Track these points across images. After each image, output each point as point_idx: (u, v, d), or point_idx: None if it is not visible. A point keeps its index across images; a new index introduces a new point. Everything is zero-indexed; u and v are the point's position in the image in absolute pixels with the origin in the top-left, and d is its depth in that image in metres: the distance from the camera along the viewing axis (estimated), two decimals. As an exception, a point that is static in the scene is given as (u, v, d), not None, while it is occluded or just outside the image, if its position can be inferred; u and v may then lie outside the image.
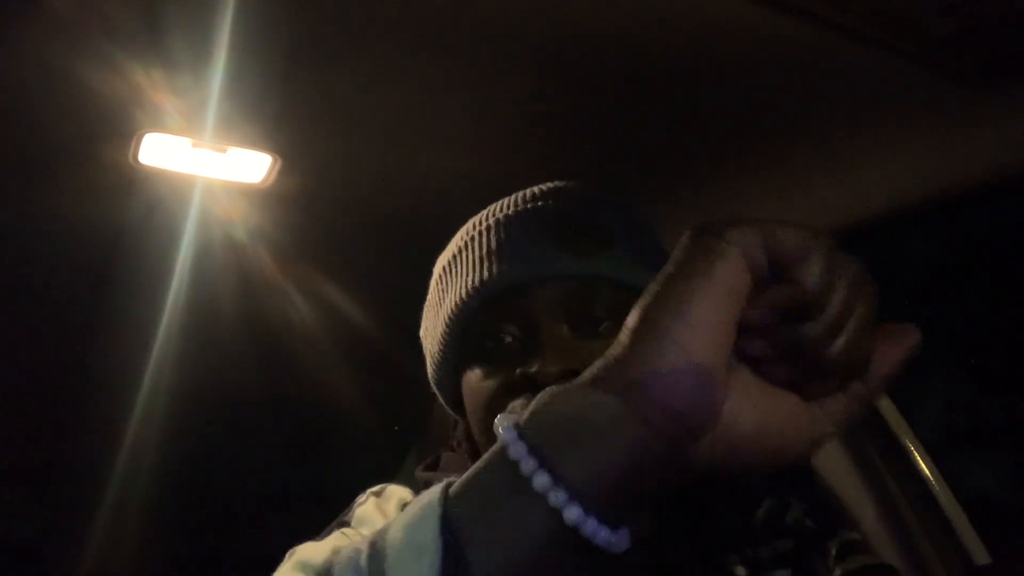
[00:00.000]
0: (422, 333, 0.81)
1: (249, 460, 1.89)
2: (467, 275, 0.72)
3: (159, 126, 1.09)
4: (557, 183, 0.78)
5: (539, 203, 0.74)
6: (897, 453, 1.27)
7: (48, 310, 1.56)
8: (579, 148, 1.19)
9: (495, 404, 0.68)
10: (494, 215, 0.75)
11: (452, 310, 0.72)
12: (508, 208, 0.75)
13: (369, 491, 0.77)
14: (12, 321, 1.55)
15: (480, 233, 0.74)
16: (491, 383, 0.69)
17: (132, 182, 1.20)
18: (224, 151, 1.17)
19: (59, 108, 1.04)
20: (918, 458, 1.27)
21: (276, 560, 0.74)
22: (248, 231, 1.35)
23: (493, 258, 0.70)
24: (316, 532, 0.77)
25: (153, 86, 0.99)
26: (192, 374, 1.64)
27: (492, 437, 0.66)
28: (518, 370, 0.67)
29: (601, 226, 0.73)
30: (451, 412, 0.80)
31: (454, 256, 0.75)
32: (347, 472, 1.93)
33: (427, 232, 1.44)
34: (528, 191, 0.77)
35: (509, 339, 0.70)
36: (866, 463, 1.23)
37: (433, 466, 0.80)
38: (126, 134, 1.10)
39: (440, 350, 0.75)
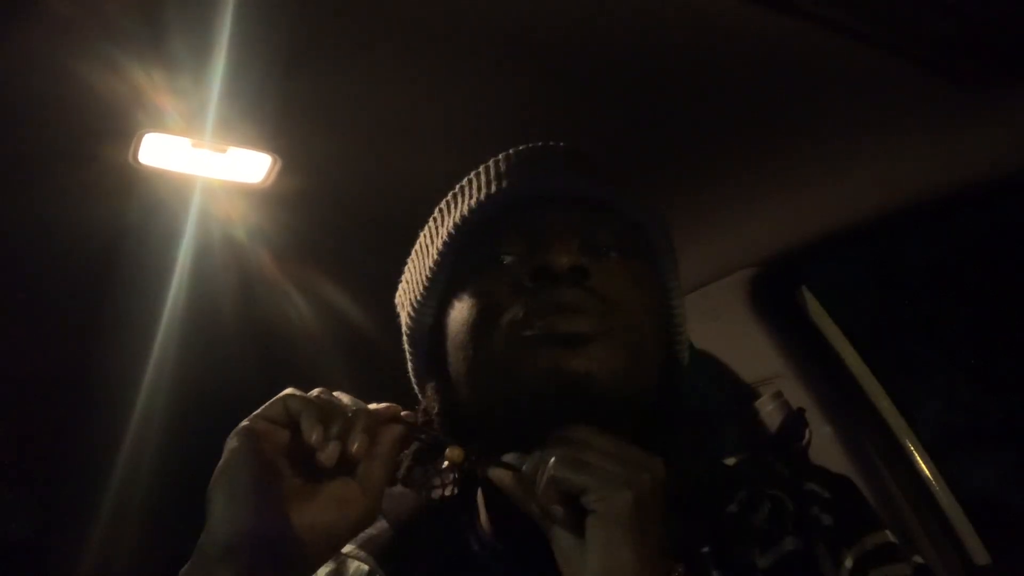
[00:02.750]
0: (399, 295, 0.76)
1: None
2: (470, 197, 0.67)
3: (159, 126, 1.08)
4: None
5: (547, 142, 0.73)
6: (897, 453, 1.27)
7: (48, 310, 1.56)
8: (578, 148, 1.19)
9: (496, 310, 0.62)
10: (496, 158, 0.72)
11: (451, 232, 0.67)
12: (515, 147, 0.72)
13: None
14: (12, 321, 1.55)
15: (486, 167, 0.71)
16: (491, 291, 0.63)
17: (132, 182, 1.20)
18: (224, 151, 1.16)
19: (59, 108, 1.04)
20: (918, 458, 1.27)
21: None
22: (248, 231, 1.35)
23: (501, 177, 0.67)
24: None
25: (153, 86, 0.99)
26: (192, 374, 1.64)
27: (483, 351, 0.62)
28: (526, 266, 0.61)
29: (608, 167, 0.71)
30: (419, 380, 0.74)
31: (454, 193, 0.72)
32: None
33: (427, 232, 1.44)
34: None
35: (511, 259, 0.64)
36: (866, 463, 1.23)
37: None
38: (126, 134, 1.10)
39: (425, 289, 0.69)
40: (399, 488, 0.71)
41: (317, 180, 1.26)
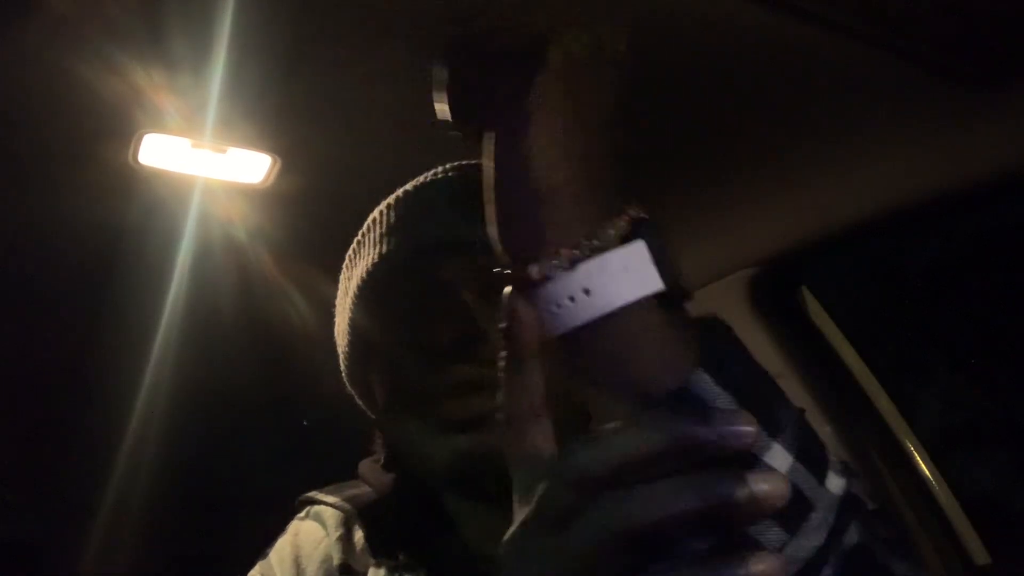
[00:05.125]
0: (336, 332, 0.80)
1: (249, 460, 1.89)
2: (368, 254, 0.70)
3: (159, 126, 1.09)
4: (457, 162, 0.76)
5: (437, 177, 0.74)
6: (897, 453, 1.27)
7: (48, 310, 1.56)
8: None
9: (405, 391, 0.66)
10: (392, 198, 0.74)
11: (356, 290, 0.70)
12: (406, 187, 0.75)
13: (297, 516, 0.78)
14: (12, 321, 1.55)
15: (380, 214, 0.73)
16: (400, 369, 0.66)
17: (132, 182, 1.20)
18: (224, 151, 1.17)
19: (59, 108, 1.04)
20: (918, 458, 1.27)
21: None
22: (248, 231, 1.35)
23: (393, 232, 0.69)
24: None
25: (153, 86, 0.99)
26: (192, 374, 1.64)
27: (397, 429, 0.66)
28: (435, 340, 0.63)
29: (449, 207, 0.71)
30: (367, 410, 0.77)
31: (355, 244, 0.75)
32: (347, 472, 1.93)
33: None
34: (427, 173, 0.76)
35: (413, 310, 0.66)
36: (866, 463, 1.23)
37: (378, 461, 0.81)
38: (126, 134, 1.10)
39: (349, 341, 0.73)
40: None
41: (317, 180, 1.26)
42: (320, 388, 1.80)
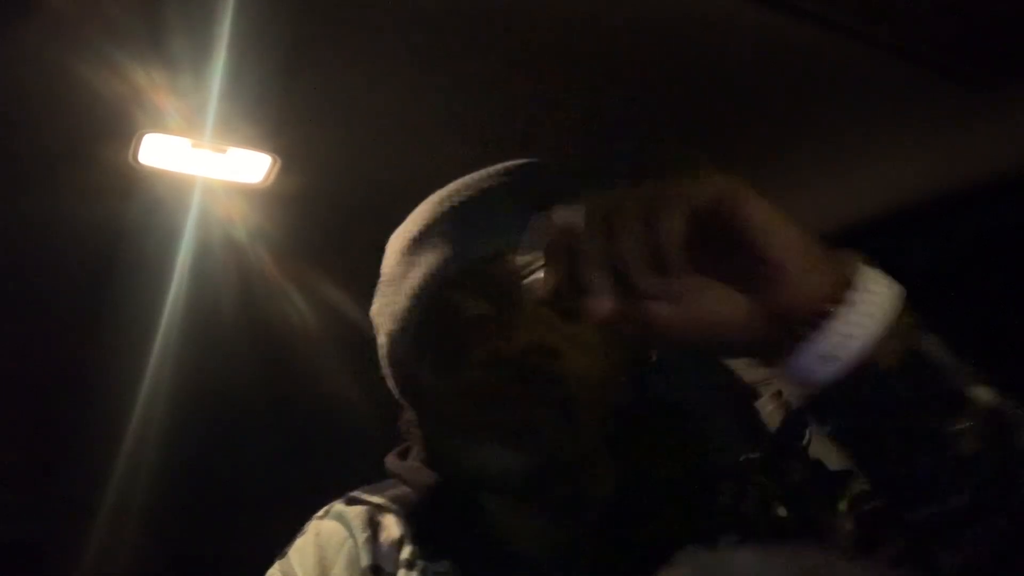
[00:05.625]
0: (374, 311, 0.78)
1: (249, 460, 1.89)
2: (439, 247, 0.68)
3: (159, 126, 1.09)
4: (528, 159, 0.74)
5: (510, 176, 0.71)
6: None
7: (48, 310, 1.56)
8: (578, 148, 1.19)
9: (465, 391, 0.65)
10: (465, 190, 0.72)
11: (420, 283, 0.68)
12: (479, 182, 0.72)
13: (316, 516, 0.77)
14: (12, 321, 1.55)
15: (452, 209, 0.71)
16: (458, 370, 0.66)
17: (132, 183, 1.20)
18: (224, 151, 1.17)
19: (59, 108, 1.04)
20: (918, 458, 1.27)
21: (275, 560, 0.75)
22: (248, 231, 1.35)
23: (466, 230, 0.68)
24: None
25: (153, 87, 0.99)
26: (192, 374, 1.64)
27: (464, 420, 0.65)
28: (495, 347, 0.64)
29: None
30: (399, 396, 0.77)
31: (423, 230, 0.72)
32: (347, 472, 1.93)
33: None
34: (498, 166, 0.73)
35: (481, 313, 0.66)
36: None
37: (405, 454, 0.80)
38: (126, 134, 1.10)
39: (400, 327, 0.71)
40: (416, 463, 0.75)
41: (317, 180, 1.26)
42: (320, 388, 1.80)
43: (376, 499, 0.74)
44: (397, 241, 0.75)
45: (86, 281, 1.44)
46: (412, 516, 0.71)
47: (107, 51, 0.93)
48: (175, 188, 1.23)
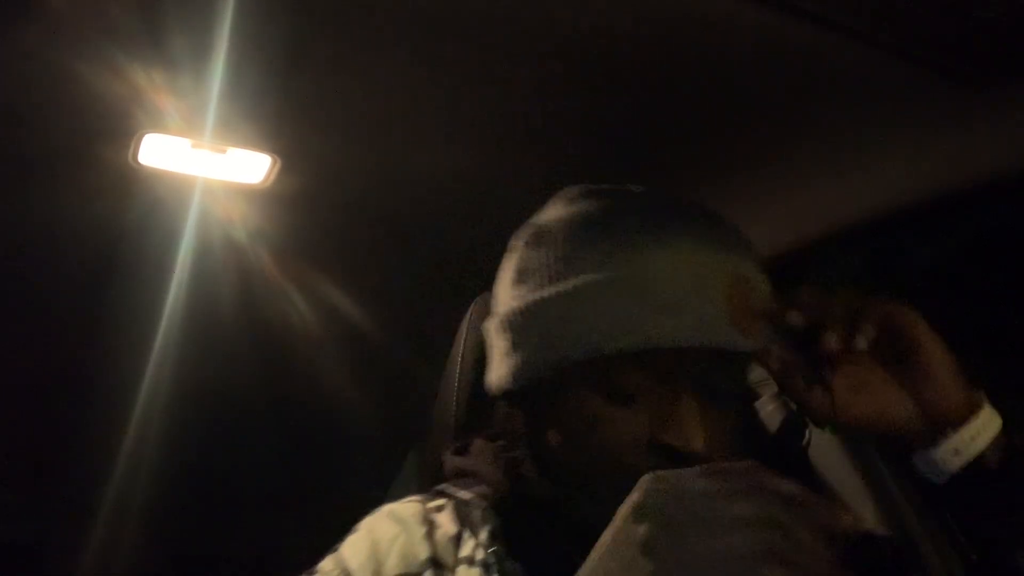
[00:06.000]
0: (513, 313, 0.72)
1: (249, 460, 1.89)
2: (619, 315, 0.65)
3: (159, 127, 1.09)
4: (728, 252, 0.70)
5: (713, 249, 0.68)
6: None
7: (48, 310, 1.56)
8: (578, 148, 1.19)
9: (614, 449, 0.66)
10: (649, 247, 0.67)
11: (591, 343, 0.65)
12: (670, 247, 0.67)
13: (369, 515, 0.77)
14: (11, 321, 1.55)
15: (638, 270, 0.66)
16: (615, 425, 0.66)
17: (132, 182, 1.20)
18: (224, 151, 1.17)
19: (59, 108, 1.04)
20: (918, 458, 1.27)
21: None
22: (248, 231, 1.35)
23: (656, 309, 0.64)
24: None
25: (153, 87, 0.99)
26: (192, 374, 1.64)
27: (590, 466, 0.67)
28: (653, 434, 0.65)
29: (763, 309, 0.68)
30: (503, 400, 0.76)
31: (600, 282, 0.66)
32: (347, 472, 1.93)
33: (427, 232, 1.44)
34: (688, 225, 0.69)
35: (633, 387, 0.66)
36: (866, 463, 1.23)
37: (463, 451, 0.81)
38: (126, 135, 1.10)
39: (558, 360, 0.68)
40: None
41: (317, 180, 1.26)
42: (320, 388, 1.80)
43: (463, 494, 0.75)
44: (567, 243, 0.70)
45: (86, 281, 1.44)
46: (490, 512, 0.72)
47: (107, 51, 0.93)
48: (175, 188, 1.23)
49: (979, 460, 0.63)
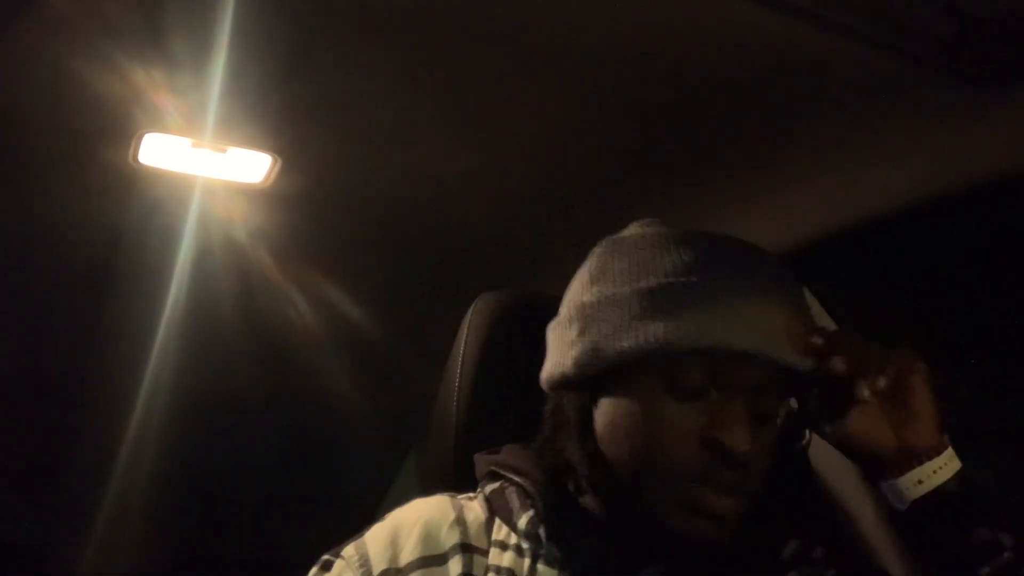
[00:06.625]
0: (577, 310, 0.77)
1: (249, 460, 1.89)
2: (686, 318, 0.70)
3: (159, 126, 1.09)
4: (791, 285, 0.77)
5: (762, 275, 0.74)
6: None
7: (48, 310, 1.56)
8: (578, 148, 1.19)
9: (668, 446, 0.70)
10: (715, 266, 0.73)
11: (657, 339, 0.70)
12: (730, 264, 0.74)
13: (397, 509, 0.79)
14: (12, 321, 1.55)
15: (706, 282, 0.72)
16: (668, 423, 0.70)
17: (132, 182, 1.20)
18: (224, 151, 1.17)
19: (59, 108, 1.04)
20: (918, 458, 1.27)
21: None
22: (248, 231, 1.36)
23: (720, 317, 0.70)
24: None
25: (153, 86, 1.00)
26: (192, 374, 1.64)
27: (642, 466, 0.71)
28: (708, 433, 0.69)
29: (811, 332, 0.74)
30: (558, 390, 0.79)
31: (666, 286, 0.72)
32: (347, 472, 1.93)
33: (427, 232, 1.44)
34: (736, 249, 0.76)
35: (699, 394, 0.71)
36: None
37: (494, 453, 0.83)
38: (126, 134, 1.10)
39: (616, 354, 0.72)
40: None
41: (317, 180, 1.26)
42: (320, 388, 1.80)
43: (496, 486, 0.78)
44: (630, 269, 0.75)
45: (86, 281, 1.44)
46: (529, 500, 0.75)
47: (107, 51, 0.93)
48: (175, 188, 1.23)
49: (939, 490, 0.72)
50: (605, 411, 0.75)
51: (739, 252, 0.76)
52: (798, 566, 0.75)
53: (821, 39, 0.87)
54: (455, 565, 0.72)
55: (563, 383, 0.78)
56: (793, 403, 0.77)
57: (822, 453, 1.21)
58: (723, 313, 0.70)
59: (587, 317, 0.75)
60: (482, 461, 0.82)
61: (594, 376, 0.74)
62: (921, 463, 0.73)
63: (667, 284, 0.72)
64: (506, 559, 0.72)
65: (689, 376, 0.70)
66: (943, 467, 0.73)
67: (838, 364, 0.73)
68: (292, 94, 1.04)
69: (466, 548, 0.73)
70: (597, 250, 0.80)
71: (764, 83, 0.99)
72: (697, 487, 0.69)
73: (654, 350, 0.70)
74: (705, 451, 0.69)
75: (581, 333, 0.75)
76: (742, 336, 0.69)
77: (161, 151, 1.15)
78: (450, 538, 0.74)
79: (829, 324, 1.36)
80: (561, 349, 0.78)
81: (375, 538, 0.75)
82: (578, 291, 0.78)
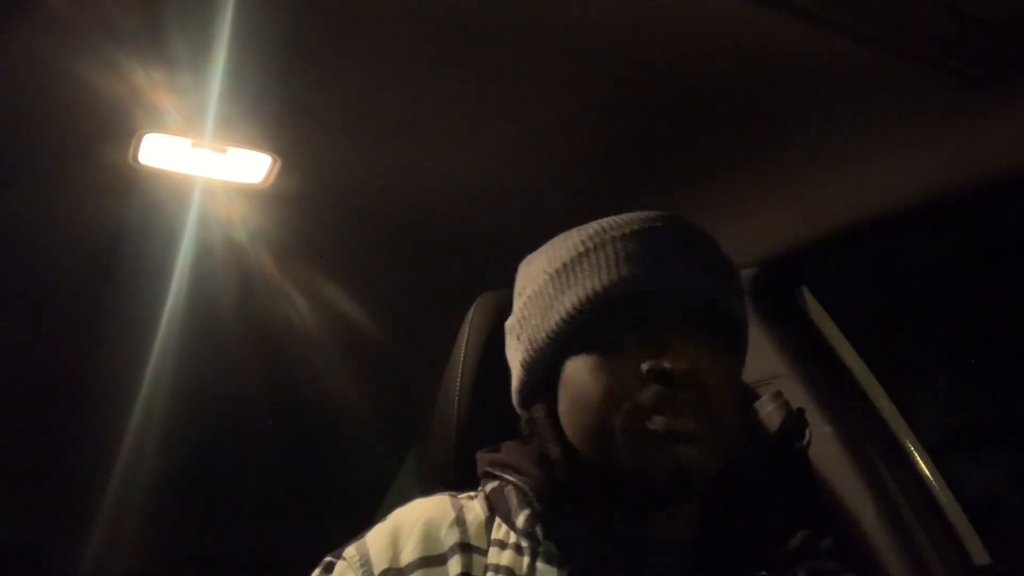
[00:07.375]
0: (515, 321, 0.82)
1: (249, 460, 1.89)
2: (593, 276, 0.74)
3: (159, 126, 1.09)
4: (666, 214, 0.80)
5: (662, 225, 0.77)
6: (897, 453, 1.27)
7: (48, 310, 1.56)
8: (578, 148, 1.19)
9: (617, 395, 0.71)
10: (618, 228, 0.76)
11: (573, 305, 0.74)
12: (633, 224, 0.77)
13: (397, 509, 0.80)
14: (12, 321, 1.55)
15: (608, 241, 0.75)
16: (610, 375, 0.72)
17: (132, 182, 1.20)
18: (224, 151, 1.17)
19: (59, 108, 1.04)
20: (918, 458, 1.27)
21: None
22: (248, 231, 1.36)
23: (623, 264, 0.73)
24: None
25: (153, 86, 1.00)
26: (192, 374, 1.64)
27: (604, 425, 0.71)
28: (645, 364, 0.70)
29: (725, 260, 0.78)
30: (522, 395, 0.81)
31: (575, 258, 0.76)
32: (347, 472, 1.93)
33: (427, 232, 1.44)
34: (642, 214, 0.79)
35: (629, 344, 0.72)
36: (866, 463, 1.23)
37: (495, 451, 0.83)
38: (126, 134, 1.10)
39: (547, 339, 0.76)
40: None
41: (317, 180, 1.26)
42: (320, 388, 1.80)
43: (496, 485, 0.78)
44: (545, 262, 0.79)
45: (86, 281, 1.44)
46: (527, 498, 0.75)
47: (107, 51, 0.93)
48: (175, 188, 1.23)
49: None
50: (565, 403, 0.76)
51: (643, 215, 0.78)
52: (805, 557, 0.73)
53: (820, 39, 0.87)
54: (454, 565, 0.72)
55: (526, 396, 0.80)
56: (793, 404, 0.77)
57: (822, 453, 1.21)
58: (625, 264, 0.73)
59: (522, 321, 0.79)
60: (482, 459, 0.83)
61: (545, 379, 0.77)
62: None
63: (573, 257, 0.75)
64: (505, 558, 0.73)
65: (614, 331, 0.72)
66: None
67: None
68: (292, 94, 1.04)
69: (465, 548, 0.73)
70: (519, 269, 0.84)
71: (763, 83, 0.99)
72: (657, 419, 0.69)
73: (574, 318, 0.73)
74: (650, 384, 0.70)
75: (519, 337, 0.79)
76: (645, 278, 0.72)
77: (161, 151, 1.15)
78: (449, 538, 0.74)
79: (829, 324, 1.36)
80: (514, 364, 0.81)
81: (376, 538, 0.75)
82: (516, 308, 0.82)
